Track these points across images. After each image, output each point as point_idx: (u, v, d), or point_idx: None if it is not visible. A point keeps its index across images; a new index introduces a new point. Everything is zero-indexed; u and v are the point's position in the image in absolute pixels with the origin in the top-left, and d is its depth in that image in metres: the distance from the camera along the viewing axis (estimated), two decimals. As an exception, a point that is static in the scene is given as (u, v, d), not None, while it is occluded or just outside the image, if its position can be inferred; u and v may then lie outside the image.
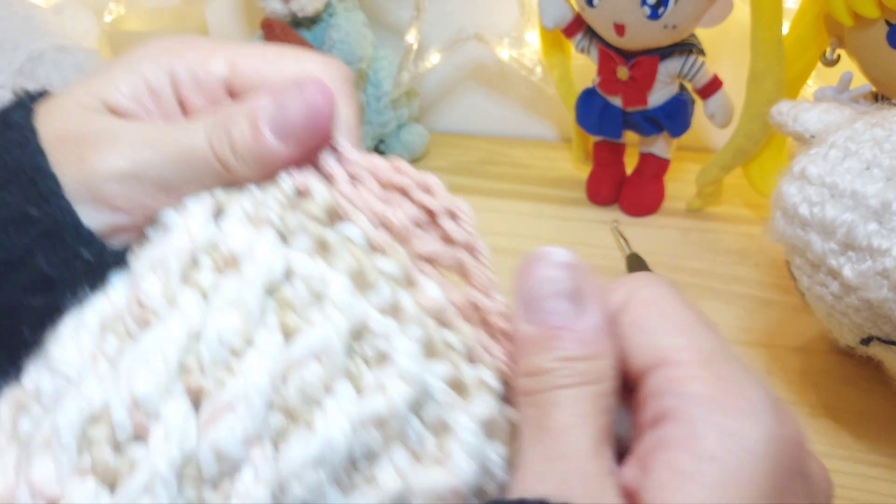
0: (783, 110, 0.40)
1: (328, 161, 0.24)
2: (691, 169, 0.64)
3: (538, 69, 0.66)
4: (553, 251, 0.22)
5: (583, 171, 0.68)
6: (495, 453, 0.21)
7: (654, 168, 0.61)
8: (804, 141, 0.39)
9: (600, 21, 0.55)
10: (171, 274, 0.22)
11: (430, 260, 0.24)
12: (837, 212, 0.34)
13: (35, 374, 0.21)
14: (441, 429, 0.21)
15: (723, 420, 0.19)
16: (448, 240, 0.24)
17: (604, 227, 0.60)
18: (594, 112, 0.60)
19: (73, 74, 0.69)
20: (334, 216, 0.24)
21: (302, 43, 0.62)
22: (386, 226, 0.24)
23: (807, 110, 0.39)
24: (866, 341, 0.37)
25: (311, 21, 0.64)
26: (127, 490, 0.19)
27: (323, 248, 0.23)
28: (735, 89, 0.56)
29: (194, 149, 0.24)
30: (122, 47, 0.70)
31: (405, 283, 0.23)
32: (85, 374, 0.21)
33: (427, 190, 0.24)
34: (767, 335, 0.48)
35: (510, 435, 0.22)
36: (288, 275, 0.22)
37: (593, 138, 0.63)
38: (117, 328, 0.21)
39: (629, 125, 0.60)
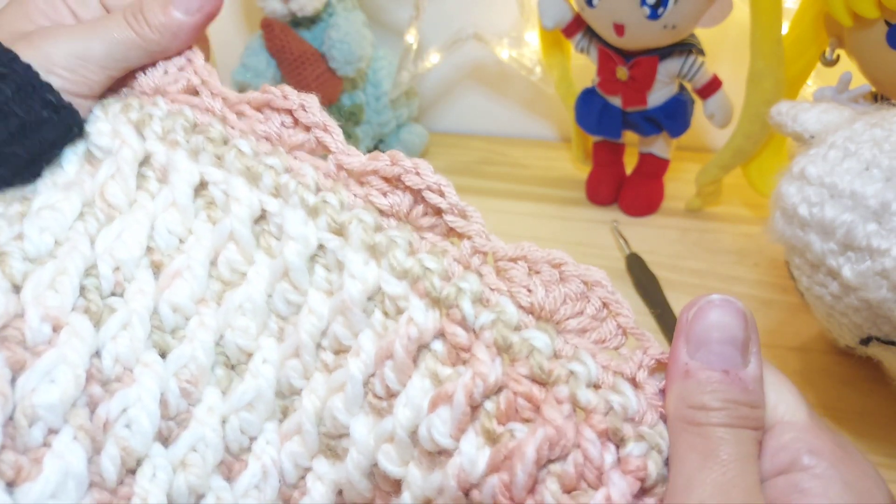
0: (782, 110, 0.40)
1: (209, 100, 0.33)
2: (691, 169, 0.64)
3: (538, 69, 0.66)
4: (730, 299, 0.25)
5: (582, 171, 0.68)
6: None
7: (653, 168, 0.61)
8: (803, 141, 0.39)
9: (600, 21, 0.55)
10: (128, 181, 0.31)
11: (299, 147, 0.32)
12: (837, 212, 0.34)
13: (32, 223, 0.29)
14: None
15: (848, 477, 0.23)
16: (305, 127, 0.32)
17: (603, 227, 0.60)
18: (594, 112, 0.60)
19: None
20: (225, 139, 0.32)
21: (301, 43, 0.62)
22: (265, 137, 0.32)
23: (806, 110, 0.39)
24: (865, 341, 0.37)
25: (311, 21, 0.64)
26: (109, 325, 0.28)
27: (219, 160, 0.31)
28: (735, 89, 0.56)
29: (122, 33, 0.32)
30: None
31: (285, 170, 0.31)
32: (77, 240, 0.29)
33: (285, 97, 0.32)
34: (767, 335, 0.48)
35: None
36: (203, 183, 0.31)
37: (593, 138, 0.63)
38: (92, 214, 0.30)
39: (629, 125, 0.60)
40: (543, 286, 0.27)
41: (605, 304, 0.27)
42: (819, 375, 0.44)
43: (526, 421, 0.25)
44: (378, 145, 0.72)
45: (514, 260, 0.28)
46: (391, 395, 0.27)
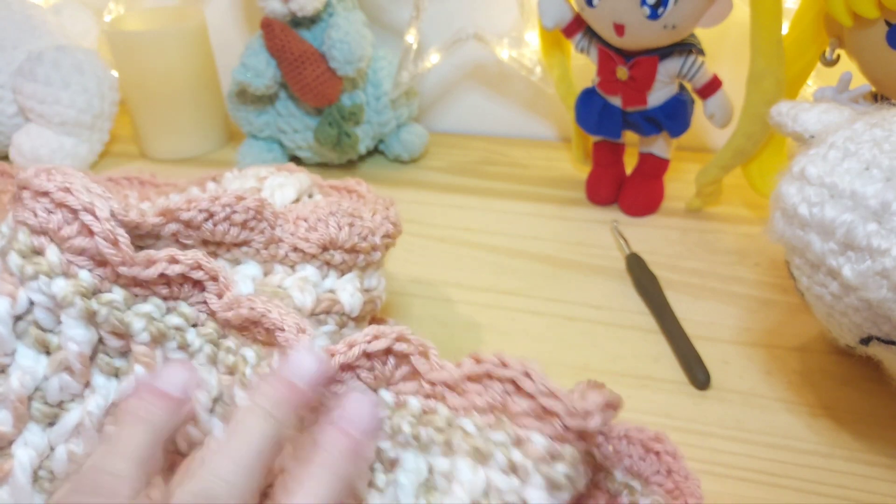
0: (783, 110, 0.40)
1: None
2: (691, 169, 0.64)
3: (538, 69, 0.66)
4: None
5: (582, 171, 0.68)
6: None
7: (653, 168, 0.61)
8: (803, 141, 0.39)
9: (600, 21, 0.55)
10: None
11: (523, 416, 0.30)
12: (837, 212, 0.34)
13: None
14: None
15: None
16: (528, 395, 0.30)
17: (603, 227, 0.60)
18: (594, 112, 0.60)
19: (73, 74, 0.69)
20: (450, 421, 0.31)
21: (302, 42, 0.62)
22: (489, 409, 0.31)
23: (806, 110, 0.39)
24: (866, 341, 0.37)
25: (311, 21, 0.64)
26: None
27: (448, 446, 0.30)
28: (735, 89, 0.56)
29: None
30: (122, 47, 0.70)
31: (515, 442, 0.29)
32: None
33: (505, 365, 0.30)
34: (767, 335, 0.48)
35: None
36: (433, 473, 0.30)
37: (593, 138, 0.63)
38: None
39: (629, 125, 0.60)
40: None
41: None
42: (819, 375, 0.44)
43: None
44: (378, 145, 0.73)
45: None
46: None
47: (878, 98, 0.49)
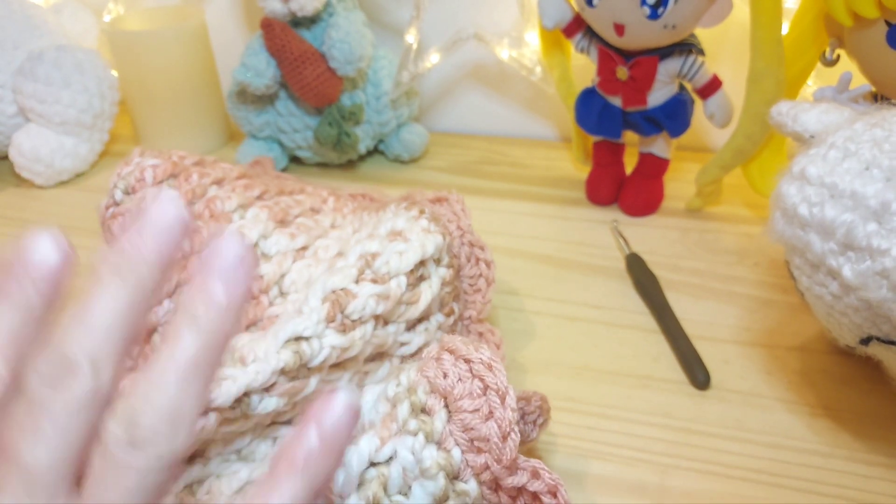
0: (783, 110, 0.40)
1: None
2: (691, 169, 0.64)
3: (538, 69, 0.66)
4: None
5: (582, 171, 0.68)
6: None
7: (653, 168, 0.61)
8: (803, 141, 0.39)
9: (600, 21, 0.55)
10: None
11: None
12: (837, 212, 0.34)
13: None
14: None
15: None
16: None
17: (603, 227, 0.60)
18: (594, 112, 0.60)
19: (73, 74, 0.69)
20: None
21: (302, 42, 0.62)
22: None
23: (806, 110, 0.39)
24: (866, 341, 0.37)
25: (311, 21, 0.64)
26: None
27: None
28: (735, 89, 0.56)
29: None
30: (122, 47, 0.70)
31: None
32: None
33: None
34: (767, 335, 0.48)
35: None
36: None
37: (593, 138, 0.63)
38: None
39: (629, 125, 0.60)
40: None
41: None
42: (819, 375, 0.44)
43: None
44: (378, 145, 0.73)
45: None
46: None
47: (878, 98, 0.49)
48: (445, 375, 0.31)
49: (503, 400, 0.30)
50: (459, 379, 0.31)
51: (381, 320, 0.37)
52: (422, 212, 0.42)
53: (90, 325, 0.19)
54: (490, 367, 0.31)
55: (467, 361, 0.31)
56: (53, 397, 0.18)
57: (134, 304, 0.20)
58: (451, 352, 0.32)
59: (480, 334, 0.43)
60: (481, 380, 0.31)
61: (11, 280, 0.20)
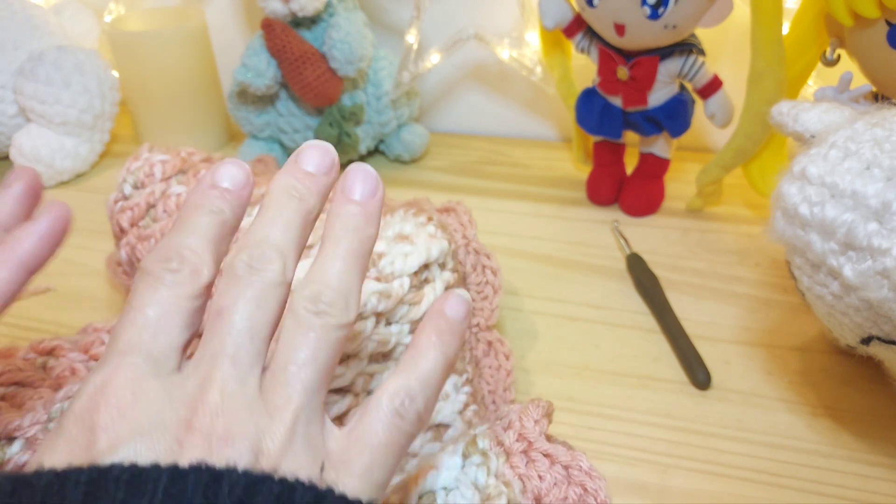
0: (783, 110, 0.40)
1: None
2: (691, 169, 0.64)
3: (538, 69, 0.66)
4: None
5: (583, 171, 0.68)
6: None
7: (654, 168, 0.61)
8: (804, 141, 0.39)
9: (600, 21, 0.55)
10: None
11: None
12: (837, 212, 0.34)
13: None
14: None
15: None
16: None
17: (604, 227, 0.60)
18: (594, 112, 0.60)
19: (74, 74, 0.69)
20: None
21: (302, 43, 0.62)
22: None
23: (807, 110, 0.39)
24: (866, 341, 0.37)
25: (311, 21, 0.64)
26: None
27: None
28: (735, 89, 0.56)
29: None
30: (123, 47, 0.70)
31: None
32: None
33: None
34: (767, 335, 0.48)
35: None
36: None
37: (593, 138, 0.63)
38: None
39: (629, 125, 0.60)
40: None
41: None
42: (819, 375, 0.44)
43: None
44: (378, 145, 0.73)
45: None
46: None
47: (878, 98, 0.49)
48: (541, 478, 0.30)
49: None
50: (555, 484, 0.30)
51: (383, 318, 0.37)
52: (430, 218, 0.43)
53: (278, 230, 0.25)
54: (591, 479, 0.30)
55: (566, 468, 0.31)
56: (255, 276, 0.24)
57: (305, 220, 0.26)
58: (548, 456, 0.31)
59: (490, 343, 0.43)
60: (583, 487, 0.30)
61: (209, 196, 0.26)
